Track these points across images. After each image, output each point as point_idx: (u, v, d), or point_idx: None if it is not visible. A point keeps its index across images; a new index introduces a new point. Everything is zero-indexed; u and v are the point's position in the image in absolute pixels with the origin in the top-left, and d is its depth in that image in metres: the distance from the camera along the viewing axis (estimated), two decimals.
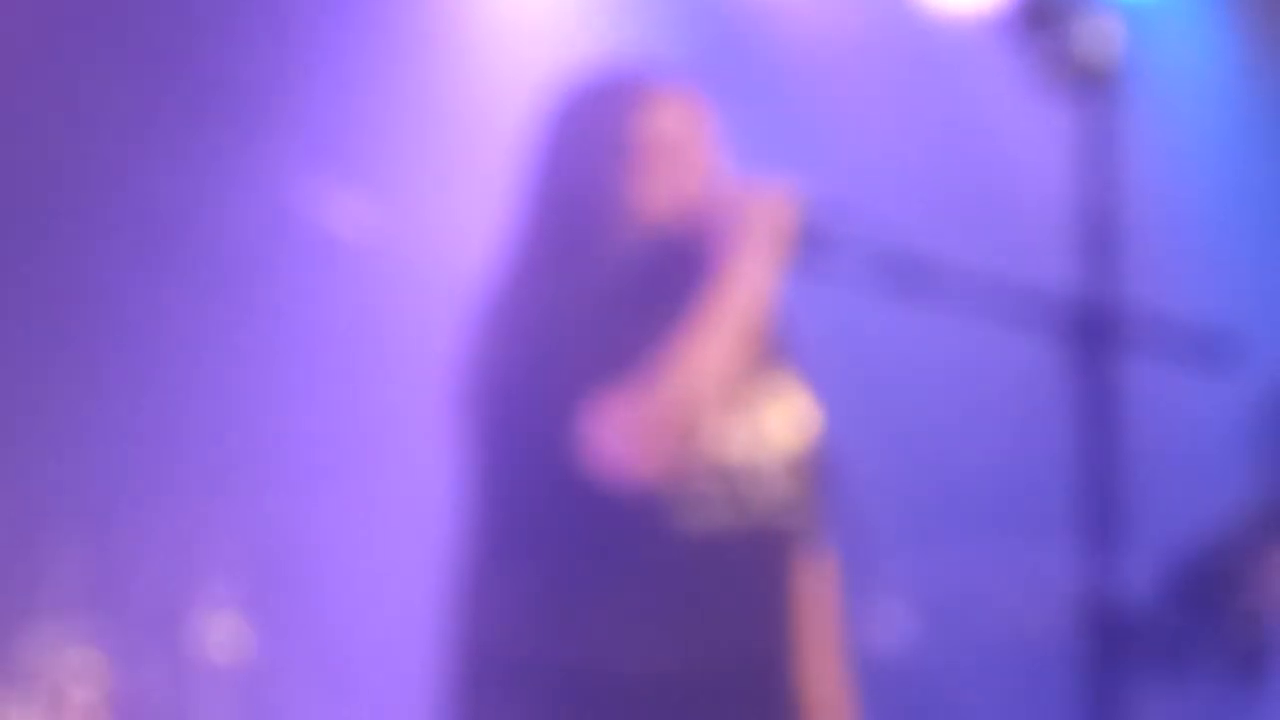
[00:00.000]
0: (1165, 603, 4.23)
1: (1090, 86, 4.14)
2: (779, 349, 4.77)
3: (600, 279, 4.63)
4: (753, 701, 4.68)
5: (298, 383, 7.87)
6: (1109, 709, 3.93)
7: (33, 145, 7.62)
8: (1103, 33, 4.13)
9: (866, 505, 7.44)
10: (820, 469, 4.79)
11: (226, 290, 7.79)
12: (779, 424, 4.73)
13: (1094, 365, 4.18)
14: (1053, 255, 4.31)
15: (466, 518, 4.70)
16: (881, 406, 7.26)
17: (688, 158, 4.69)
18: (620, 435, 4.47)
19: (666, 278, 4.61)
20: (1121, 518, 3.98)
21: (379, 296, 7.62)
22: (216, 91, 7.78)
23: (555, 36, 7.85)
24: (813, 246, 4.56)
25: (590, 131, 4.72)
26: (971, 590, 8.15)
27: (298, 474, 7.77)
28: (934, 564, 8.20)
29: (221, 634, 7.45)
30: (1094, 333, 4.18)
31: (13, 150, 7.60)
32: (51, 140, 7.60)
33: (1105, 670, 3.98)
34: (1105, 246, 4.17)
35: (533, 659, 4.63)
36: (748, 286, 4.56)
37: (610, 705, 4.60)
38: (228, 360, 7.82)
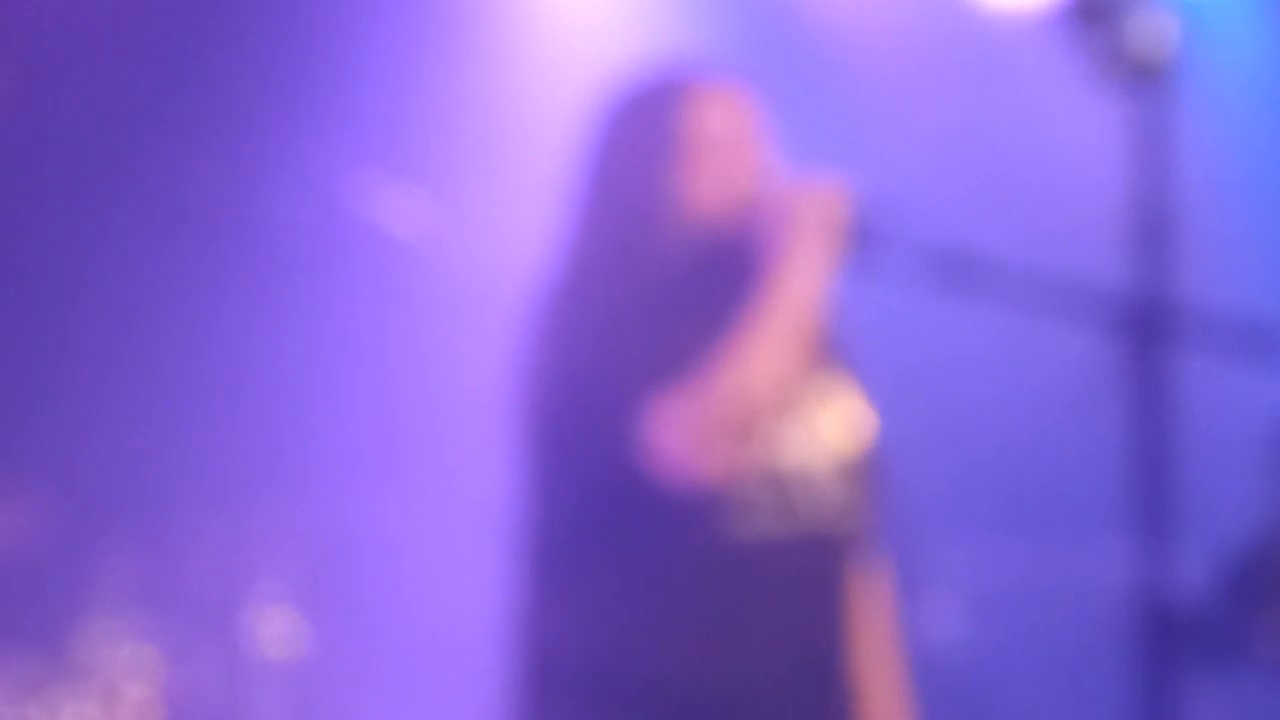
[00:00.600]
0: (1217, 599, 4.22)
1: (1144, 82, 4.18)
2: (832, 348, 4.79)
3: (654, 277, 4.66)
4: (807, 712, 4.72)
5: (351, 380, 7.93)
6: (1161, 705, 4.00)
7: (89, 142, 7.69)
8: (1157, 29, 4.17)
9: (920, 502, 7.47)
10: (874, 473, 4.80)
11: (280, 287, 7.87)
12: (832, 426, 4.74)
13: (1147, 360, 4.22)
14: (1106, 250, 4.34)
15: (524, 519, 4.72)
16: (934, 403, 7.26)
17: (738, 154, 4.71)
18: (677, 435, 4.47)
19: (720, 275, 4.62)
20: (1174, 513, 4.05)
21: (431, 294, 7.62)
22: (268, 88, 7.86)
23: (607, 34, 7.94)
24: (865, 243, 4.57)
25: (641, 131, 4.74)
26: (1024, 586, 8.16)
27: (350, 471, 7.79)
28: (987, 559, 8.20)
29: (274, 630, 7.47)
30: (1147, 328, 4.23)
31: (71, 148, 7.68)
32: (107, 138, 7.65)
33: (1157, 666, 4.04)
34: (1158, 241, 4.20)
35: (591, 664, 4.66)
36: (801, 284, 4.57)
37: (664, 712, 4.63)
38: (281, 357, 7.91)
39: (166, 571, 7.46)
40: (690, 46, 6.78)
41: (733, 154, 4.71)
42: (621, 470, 4.53)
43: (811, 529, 4.67)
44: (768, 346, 4.52)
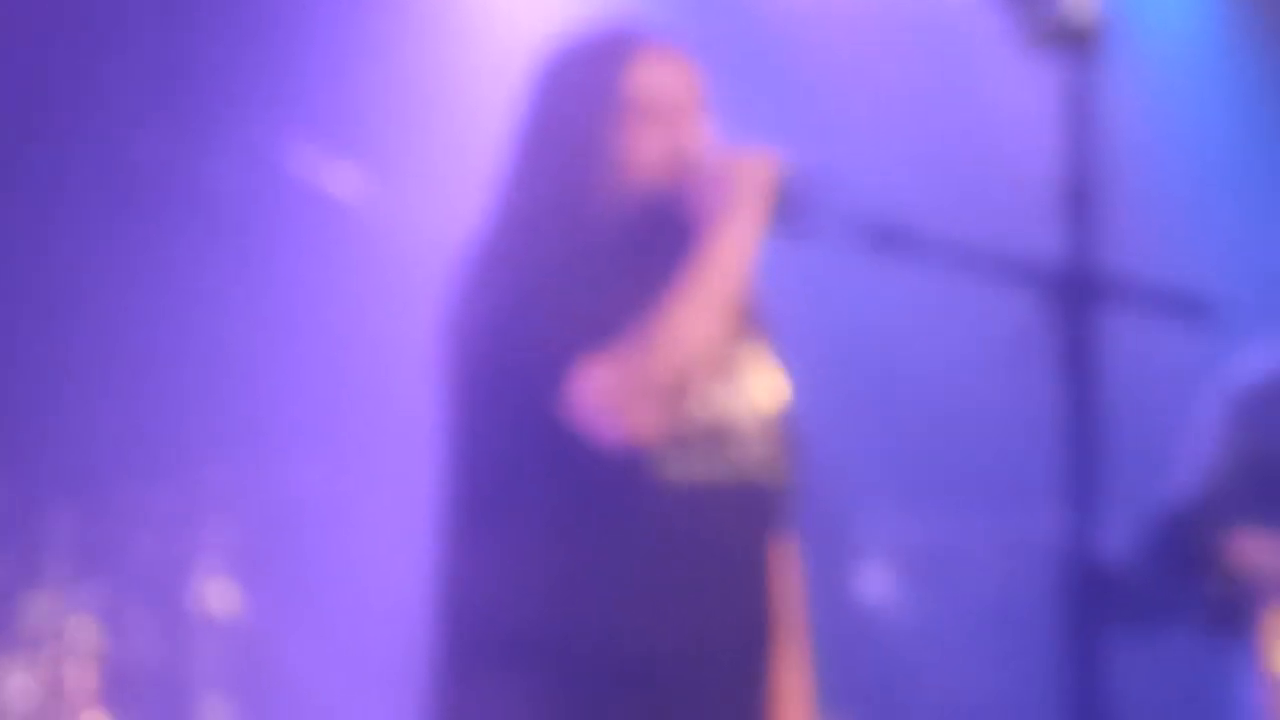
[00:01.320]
0: (1146, 560, 4.29)
1: (1074, 49, 4.15)
2: (758, 314, 4.89)
3: (587, 236, 4.73)
4: (730, 655, 4.79)
5: (293, 343, 8.08)
6: (1089, 667, 3.97)
7: (64, 127, 7.95)
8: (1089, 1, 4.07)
9: (851, 466, 7.48)
10: (793, 433, 4.89)
11: (226, 255, 8.01)
12: (758, 387, 4.84)
13: (1075, 325, 4.21)
14: (1036, 217, 4.33)
15: (452, 478, 4.80)
16: (866, 368, 7.32)
17: (677, 117, 4.77)
18: (609, 396, 4.54)
19: (654, 237, 4.72)
20: (1102, 476, 4.01)
21: (371, 259, 7.71)
22: (223, 71, 8.02)
23: (548, 9, 7.91)
24: (800, 212, 4.66)
25: (583, 88, 4.81)
26: (952, 549, 8.23)
27: (290, 438, 7.95)
28: (915, 523, 8.26)
29: (217, 595, 7.55)
30: (1076, 293, 4.23)
31: (49, 131, 7.93)
32: (80, 121, 7.98)
33: (1085, 628, 3.97)
34: (1088, 208, 4.21)
35: (517, 619, 4.72)
36: (734, 253, 4.66)
37: (591, 660, 4.71)
38: (225, 323, 8.09)
39: (111, 541, 7.58)
40: (633, 14, 6.92)
41: (671, 115, 4.77)
42: (545, 426, 4.61)
43: (735, 482, 4.74)
44: (700, 313, 4.60)
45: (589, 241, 4.71)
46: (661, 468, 4.64)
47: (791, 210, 4.66)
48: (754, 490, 4.76)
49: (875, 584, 8.38)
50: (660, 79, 4.80)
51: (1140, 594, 4.28)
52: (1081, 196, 4.19)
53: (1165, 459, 6.30)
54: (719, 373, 4.74)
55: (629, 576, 4.67)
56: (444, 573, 4.78)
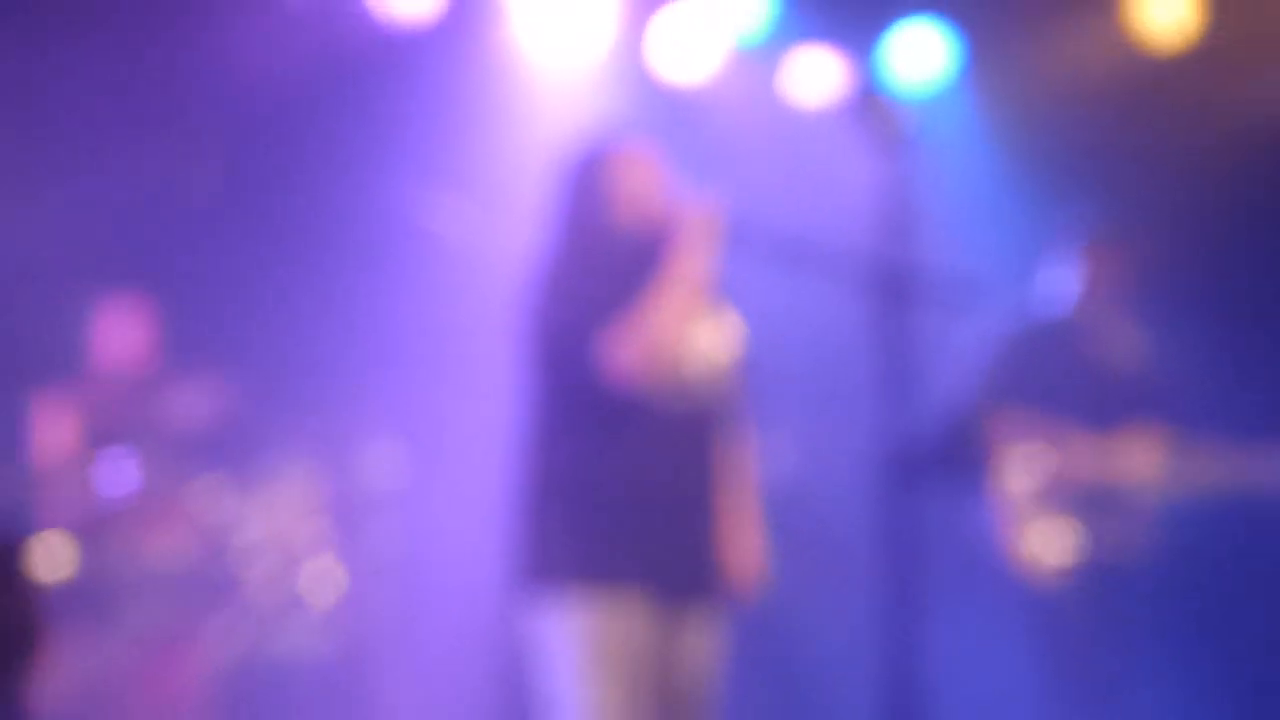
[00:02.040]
0: (934, 449, 4.35)
1: (895, 147, 4.43)
2: (714, 298, 4.90)
3: (603, 262, 4.84)
4: (700, 507, 4.84)
5: (410, 330, 7.74)
6: (903, 521, 4.31)
7: (266, 170, 7.63)
8: (901, 114, 4.44)
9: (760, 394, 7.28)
10: (739, 377, 4.95)
11: (366, 266, 7.66)
12: (713, 346, 4.90)
13: (892, 309, 4.38)
14: (870, 243, 4.51)
15: (529, 405, 4.86)
16: (772, 333, 7.29)
17: (652, 189, 4.86)
18: (621, 354, 4.66)
19: (645, 259, 4.79)
20: (913, 404, 4.29)
21: (460, 275, 7.35)
22: (356, 128, 7.63)
23: (574, 96, 7.82)
24: (725, 237, 4.76)
25: (593, 179, 4.87)
26: (819, 450, 8.07)
27: (414, 383, 7.59)
28: (775, 440, 8.02)
29: (383, 475, 7.31)
30: (895, 287, 4.39)
31: (259, 174, 7.61)
32: (274, 169, 7.63)
33: (901, 489, 4.33)
34: (903, 238, 4.37)
35: (569, 477, 4.80)
36: (691, 264, 4.73)
37: (615, 508, 4.73)
38: (366, 318, 7.75)
39: (321, 420, 7.29)
40: (619, 113, 7.14)
41: (649, 189, 4.85)
42: (587, 377, 4.70)
43: (701, 406, 4.87)
44: (674, 301, 4.70)
45: (605, 261, 4.86)
46: (652, 396, 4.74)
47: (722, 236, 4.74)
48: (708, 409, 4.88)
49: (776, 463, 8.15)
50: (638, 171, 4.86)
51: (934, 470, 4.35)
52: (899, 237, 4.36)
53: (955, 390, 6.38)
54: (689, 337, 4.82)
55: (634, 454, 4.78)
56: (527, 454, 4.88)
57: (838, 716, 7.49)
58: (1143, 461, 6.48)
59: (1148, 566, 6.46)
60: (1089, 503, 6.42)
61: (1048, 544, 6.38)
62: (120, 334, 7.23)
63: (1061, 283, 6.71)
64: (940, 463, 4.42)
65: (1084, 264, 6.67)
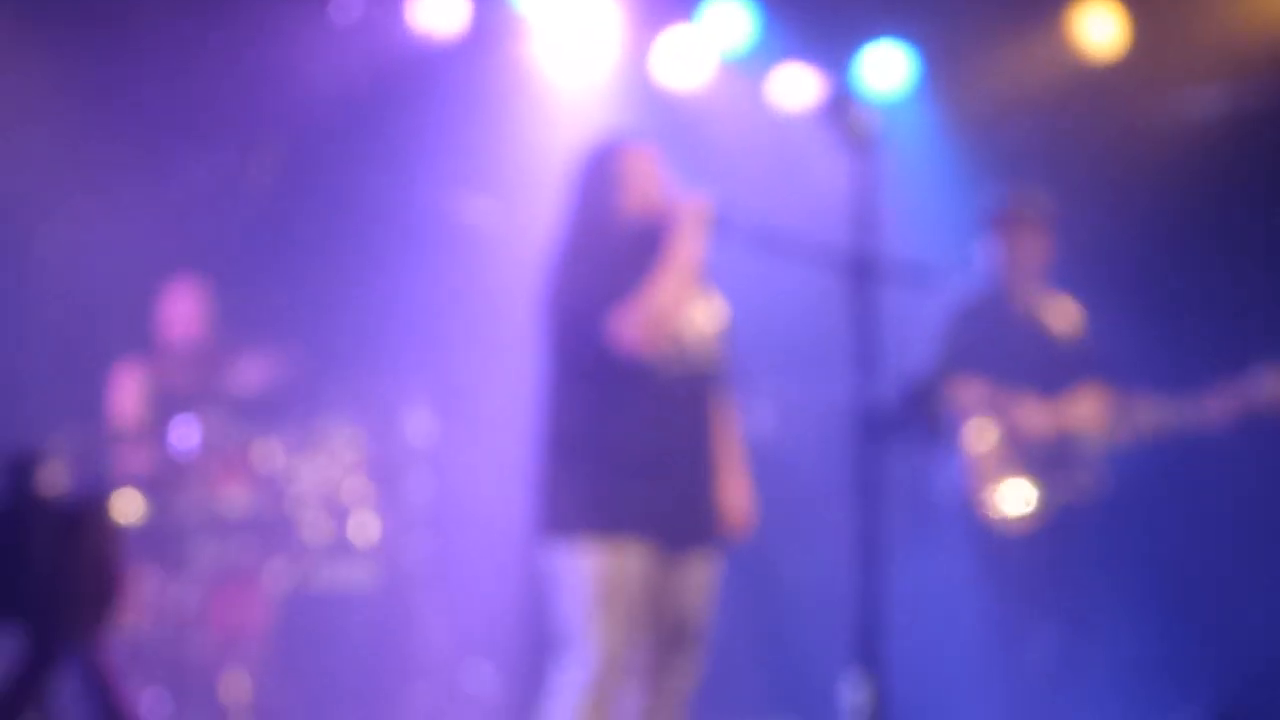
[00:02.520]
0: (897, 411, 4.30)
1: (864, 148, 4.35)
2: (704, 279, 4.88)
3: (611, 247, 4.78)
4: (698, 460, 4.81)
5: (443, 308, 7.66)
6: (871, 473, 4.23)
7: (328, 170, 7.55)
8: (868, 117, 4.37)
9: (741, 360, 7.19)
10: (726, 347, 4.92)
11: (410, 250, 7.60)
12: (705, 319, 4.88)
13: (860, 289, 4.31)
14: (842, 234, 4.44)
15: (547, 370, 4.82)
16: (754, 310, 7.21)
17: (652, 185, 4.85)
18: (628, 326, 4.64)
19: (646, 244, 4.77)
20: (880, 366, 4.25)
21: (486, 260, 7.27)
22: (393, 130, 7.59)
23: (584, 104, 7.74)
24: (716, 227, 4.75)
25: (604, 171, 4.84)
26: (789, 414, 8.06)
27: (450, 353, 7.48)
28: (757, 403, 8.01)
29: (420, 430, 7.21)
30: (860, 269, 4.30)
31: (310, 171, 7.53)
32: (335, 171, 7.53)
33: (868, 447, 4.25)
34: (871, 229, 4.30)
35: (581, 434, 4.76)
36: (687, 250, 4.70)
37: (624, 465, 4.70)
38: (410, 296, 7.71)
39: (363, 388, 7.22)
40: (624, 118, 6.92)
41: (650, 183, 4.84)
42: (597, 346, 4.67)
43: (696, 372, 4.83)
44: (672, 282, 4.66)
45: (612, 246, 4.80)
46: (654, 363, 4.71)
47: (713, 226, 4.73)
48: (702, 375, 4.85)
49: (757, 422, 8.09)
50: (642, 164, 4.86)
51: (901, 428, 4.29)
52: (867, 229, 4.30)
53: (919, 355, 6.29)
54: (685, 312, 4.78)
55: (639, 415, 4.73)
56: (544, 416, 4.84)
57: (814, 645, 7.32)
58: (1087, 416, 6.42)
59: (1096, 509, 6.41)
60: (1042, 458, 6.35)
61: (1007, 497, 6.32)
62: (185, 312, 7.22)
63: (991, 258, 6.60)
64: (903, 423, 4.33)
65: (1005, 240, 6.56)
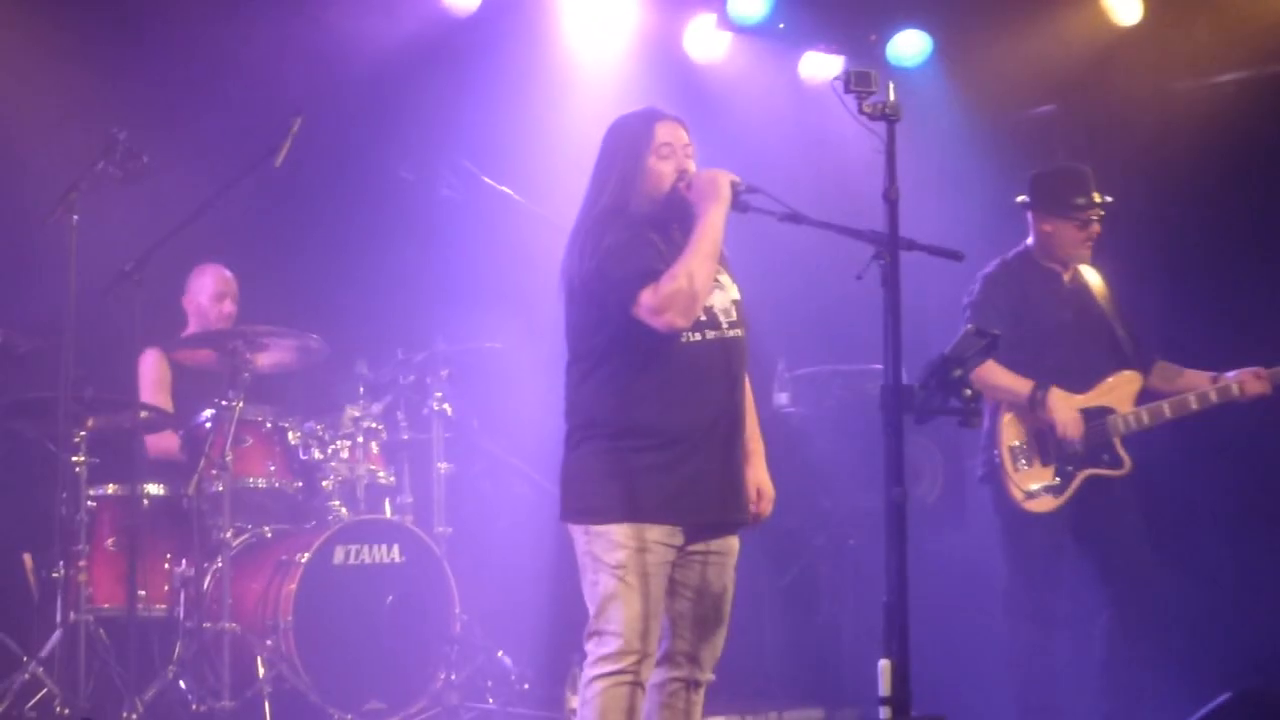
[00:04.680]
0: (926, 387, 4.24)
1: (883, 118, 4.28)
2: (723, 251, 4.78)
3: (636, 218, 4.71)
4: (730, 434, 4.75)
5: (475, 281, 7.67)
6: (897, 443, 4.07)
7: (354, 166, 7.59)
8: (886, 90, 4.29)
9: (769, 334, 7.17)
10: (749, 322, 4.83)
11: (442, 227, 7.52)
12: (728, 287, 4.83)
13: (892, 264, 4.21)
14: (866, 205, 4.42)
15: (571, 344, 4.77)
16: (778, 284, 7.12)
17: (679, 155, 4.78)
18: (665, 302, 4.58)
19: (674, 214, 4.73)
20: (903, 347, 4.13)
21: (519, 233, 7.07)
22: (420, 104, 7.58)
23: (609, 75, 7.80)
24: (742, 203, 4.66)
25: (632, 137, 4.78)
26: (825, 379, 8.00)
27: (480, 328, 7.40)
28: (805, 365, 8.01)
29: (442, 404, 7.22)
30: (886, 241, 4.23)
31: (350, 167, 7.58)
32: (356, 159, 7.61)
33: (895, 423, 4.11)
34: (892, 201, 4.22)
35: (609, 414, 4.69)
36: (716, 221, 4.65)
37: (660, 435, 4.62)
38: (440, 269, 7.71)
39: (382, 376, 7.27)
40: (656, 93, 6.73)
41: (677, 153, 4.77)
42: (627, 321, 4.60)
43: (725, 337, 4.76)
44: (702, 255, 4.62)
45: (637, 221, 4.73)
46: (682, 339, 4.67)
47: (738, 201, 4.65)
48: (731, 344, 4.80)
49: (782, 395, 8.11)
50: (670, 133, 4.80)
51: (925, 403, 4.23)
52: (890, 198, 4.23)
53: (943, 330, 6.17)
54: (713, 281, 4.74)
55: (671, 390, 4.68)
56: (569, 391, 4.80)
57: (841, 632, 7.37)
58: (1117, 396, 6.33)
59: (1125, 488, 6.32)
60: (1070, 448, 6.25)
61: (1037, 484, 6.24)
62: (212, 294, 7.27)
63: (1030, 231, 6.48)
64: (933, 400, 4.25)
65: (1043, 213, 6.41)
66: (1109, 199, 6.42)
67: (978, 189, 7.78)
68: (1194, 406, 6.25)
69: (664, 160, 4.71)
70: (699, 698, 4.78)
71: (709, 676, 4.77)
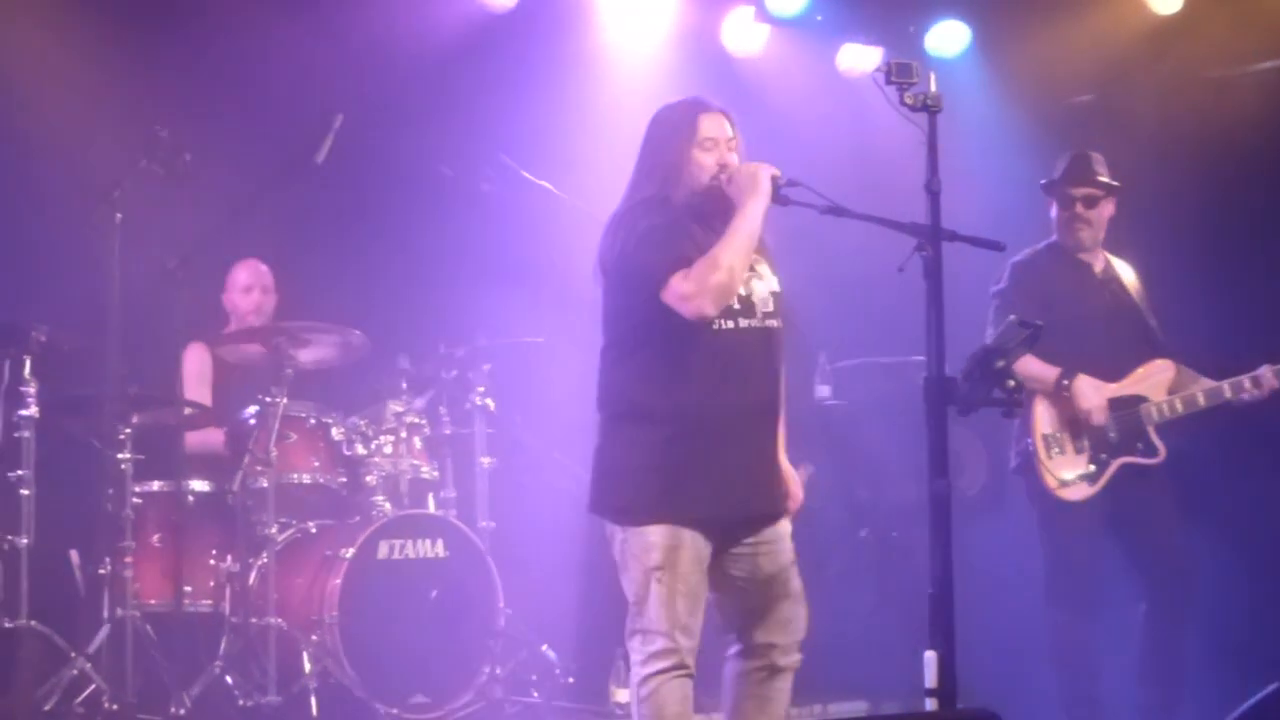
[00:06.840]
0: (969, 378, 4.22)
1: (924, 109, 4.27)
2: (764, 243, 4.78)
3: (676, 208, 4.68)
4: (765, 420, 4.74)
5: (512, 270, 7.62)
6: (941, 434, 4.07)
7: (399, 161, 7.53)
8: (926, 82, 4.28)
9: (812, 324, 7.14)
10: (785, 304, 4.81)
11: (485, 218, 7.37)
12: (767, 278, 4.80)
13: (934, 256, 4.19)
14: (903, 196, 4.52)
15: (606, 331, 4.74)
16: (819, 274, 7.07)
17: (722, 146, 4.75)
18: (695, 288, 4.55)
19: (714, 206, 4.69)
20: (946, 339, 4.12)
21: (549, 227, 7.05)
22: (467, 124, 7.49)
23: (654, 75, 7.74)
24: (782, 195, 4.63)
25: (674, 127, 4.76)
26: (870, 370, 7.98)
27: (517, 318, 7.37)
28: (848, 357, 7.98)
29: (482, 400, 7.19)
30: (931, 235, 4.21)
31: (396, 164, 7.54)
32: (401, 153, 7.52)
33: (938, 414, 4.11)
34: (934, 193, 4.21)
35: (643, 397, 4.66)
36: (754, 214, 4.61)
37: (692, 423, 4.59)
38: (477, 259, 7.66)
39: (424, 371, 7.25)
40: (694, 87, 6.75)
41: (721, 143, 4.74)
42: (662, 309, 4.56)
43: (762, 326, 4.74)
44: (739, 245, 4.59)
45: (677, 211, 4.69)
46: (717, 324, 4.63)
47: (778, 195, 4.63)
48: (768, 333, 4.77)
49: (824, 387, 8.08)
50: (714, 126, 4.77)
51: (968, 395, 4.21)
52: (932, 190, 4.22)
53: (979, 328, 6.19)
54: (750, 271, 4.73)
55: (704, 377, 4.64)
56: (603, 377, 4.77)
57: (887, 626, 7.29)
58: (1149, 387, 6.32)
59: (1159, 476, 6.28)
60: (1103, 435, 6.24)
61: (1071, 472, 6.23)
62: (254, 290, 7.25)
63: (1055, 219, 6.49)
64: (973, 391, 4.24)
65: (1068, 202, 6.42)
66: (1107, 181, 6.41)
67: (1016, 179, 7.71)
68: (1228, 395, 6.21)
69: (707, 153, 4.69)
70: (782, 683, 4.73)
71: (793, 660, 4.73)
